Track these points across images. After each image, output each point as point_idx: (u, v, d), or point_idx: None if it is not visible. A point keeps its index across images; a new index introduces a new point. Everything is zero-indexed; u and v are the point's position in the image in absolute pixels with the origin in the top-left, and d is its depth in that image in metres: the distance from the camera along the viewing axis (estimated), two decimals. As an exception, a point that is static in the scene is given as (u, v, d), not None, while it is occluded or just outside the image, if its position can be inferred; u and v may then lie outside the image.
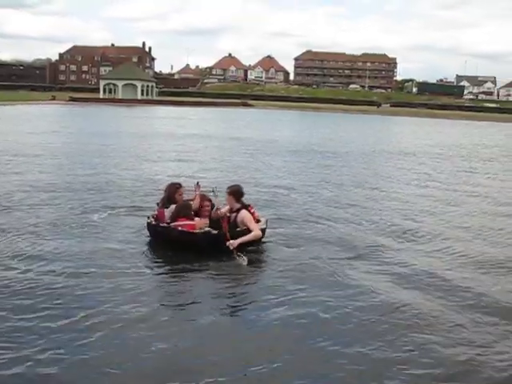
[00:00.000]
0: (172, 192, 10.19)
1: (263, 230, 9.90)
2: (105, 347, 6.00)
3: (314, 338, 6.42)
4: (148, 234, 10.06)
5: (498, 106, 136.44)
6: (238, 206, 9.70)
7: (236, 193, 9.82)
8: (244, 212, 9.60)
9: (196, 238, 9.30)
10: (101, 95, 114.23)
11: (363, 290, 8.02)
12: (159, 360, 5.80)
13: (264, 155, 26.14)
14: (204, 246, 9.17)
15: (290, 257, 9.38)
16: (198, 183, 10.41)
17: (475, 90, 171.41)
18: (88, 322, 6.55)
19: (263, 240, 9.96)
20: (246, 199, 10.05)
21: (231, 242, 9.12)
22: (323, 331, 6.58)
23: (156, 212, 10.19)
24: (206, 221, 9.89)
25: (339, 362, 5.92)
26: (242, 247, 9.19)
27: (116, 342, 6.14)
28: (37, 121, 46.13)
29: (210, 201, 10.21)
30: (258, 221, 10.00)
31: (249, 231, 9.43)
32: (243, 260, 8.92)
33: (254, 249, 9.52)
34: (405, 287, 8.28)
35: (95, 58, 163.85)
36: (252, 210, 9.83)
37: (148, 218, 10.11)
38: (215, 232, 9.38)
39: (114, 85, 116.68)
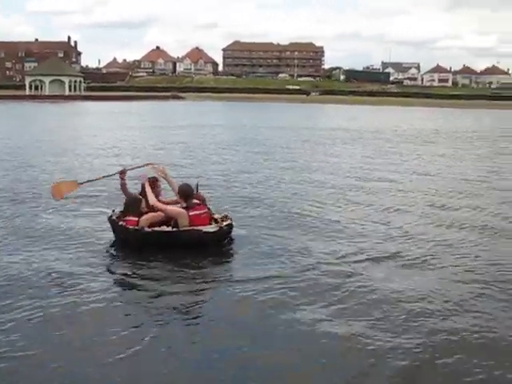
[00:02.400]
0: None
1: (214, 232, 9.34)
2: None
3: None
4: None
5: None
6: (184, 205, 9.42)
7: (181, 192, 9.55)
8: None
9: (127, 234, 9.17)
10: (27, 92, 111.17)
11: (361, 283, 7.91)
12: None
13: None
14: (134, 243, 9.03)
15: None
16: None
17: (400, 76, 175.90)
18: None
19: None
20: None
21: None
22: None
23: None
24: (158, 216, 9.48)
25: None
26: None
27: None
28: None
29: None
30: (215, 220, 9.71)
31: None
32: None
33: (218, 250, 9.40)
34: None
35: (19, 54, 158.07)
36: (192, 213, 9.31)
37: (113, 210, 9.96)
38: (149, 230, 9.07)
39: (41, 81, 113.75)
